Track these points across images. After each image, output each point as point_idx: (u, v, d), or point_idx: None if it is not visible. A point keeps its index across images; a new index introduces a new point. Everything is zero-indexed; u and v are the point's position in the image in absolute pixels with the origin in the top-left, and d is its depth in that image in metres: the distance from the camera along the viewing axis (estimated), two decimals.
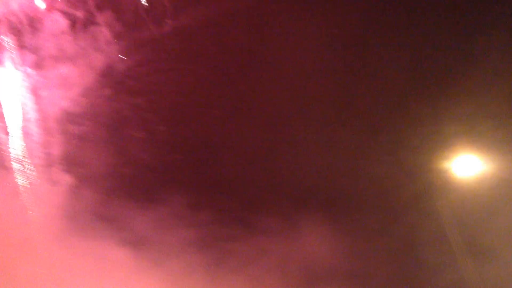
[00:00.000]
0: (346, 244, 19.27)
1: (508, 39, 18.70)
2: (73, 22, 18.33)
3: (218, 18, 18.59)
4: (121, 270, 18.40)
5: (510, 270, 18.75)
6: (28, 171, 18.33)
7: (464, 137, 19.13)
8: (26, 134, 18.52)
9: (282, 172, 19.98)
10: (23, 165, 18.34)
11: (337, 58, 19.48)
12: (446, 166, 19.48)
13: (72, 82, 18.76)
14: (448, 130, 19.23)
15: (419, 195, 19.63)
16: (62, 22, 18.25)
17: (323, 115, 20.26)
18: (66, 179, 18.77)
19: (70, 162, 19.02)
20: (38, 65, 18.44)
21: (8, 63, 18.17)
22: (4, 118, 18.24)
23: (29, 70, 18.32)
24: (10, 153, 18.21)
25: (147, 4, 18.50)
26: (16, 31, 18.03)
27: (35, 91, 18.55)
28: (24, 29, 18.18)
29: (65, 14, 18.18)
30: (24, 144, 18.38)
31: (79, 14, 18.32)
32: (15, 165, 18.19)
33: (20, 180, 18.16)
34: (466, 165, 19.29)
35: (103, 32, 18.65)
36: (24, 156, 18.32)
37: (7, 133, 18.27)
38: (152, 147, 19.79)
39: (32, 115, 18.57)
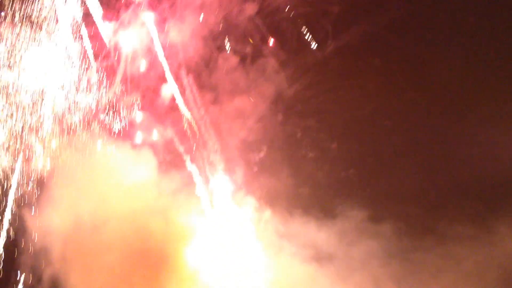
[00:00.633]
0: None
1: None
2: (243, 58, 19.75)
3: (378, 31, 18.68)
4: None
5: None
6: (216, 197, 20.08)
7: None
8: (211, 164, 20.27)
9: (466, 173, 19.11)
10: (212, 192, 20.14)
11: None
12: None
13: (247, 112, 20.12)
14: None
15: None
16: (233, 59, 19.78)
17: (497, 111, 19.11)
18: (250, 202, 20.08)
19: (252, 186, 20.32)
20: (216, 101, 20.13)
21: (191, 102, 20.15)
22: (192, 151, 20.18)
23: (210, 106, 20.11)
24: (200, 182, 20.08)
25: (307, 29, 19.27)
26: (195, 73, 19.96)
27: (216, 125, 20.26)
28: (202, 70, 20.08)
29: (235, 51, 19.65)
30: (211, 174, 20.13)
31: (248, 49, 19.72)
32: (205, 193, 20.02)
33: (209, 206, 19.94)
34: None
35: (270, 62, 19.81)
36: (212, 184, 20.10)
37: (196, 165, 20.18)
38: (327, 165, 20.30)
39: (216, 146, 20.27)
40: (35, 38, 18.16)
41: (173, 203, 19.28)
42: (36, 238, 18.55)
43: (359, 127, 19.87)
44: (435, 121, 19.75)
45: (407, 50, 19.17)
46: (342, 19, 18.94)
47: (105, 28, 19.00)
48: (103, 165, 19.32)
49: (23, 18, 17.78)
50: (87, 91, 19.24)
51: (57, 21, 18.15)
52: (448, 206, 19.07)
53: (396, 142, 20.00)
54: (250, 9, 19.19)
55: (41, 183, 19.16)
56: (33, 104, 18.42)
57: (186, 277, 18.87)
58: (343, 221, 19.43)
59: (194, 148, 20.11)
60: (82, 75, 19.08)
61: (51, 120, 19.07)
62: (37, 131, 18.82)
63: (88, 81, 19.19)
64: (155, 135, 20.03)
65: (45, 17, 18.02)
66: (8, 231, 18.58)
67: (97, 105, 19.36)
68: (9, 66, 18.06)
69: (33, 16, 17.86)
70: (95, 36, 19.03)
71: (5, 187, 18.46)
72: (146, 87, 19.84)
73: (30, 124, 18.49)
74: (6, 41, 17.85)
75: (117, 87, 19.54)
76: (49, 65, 18.72)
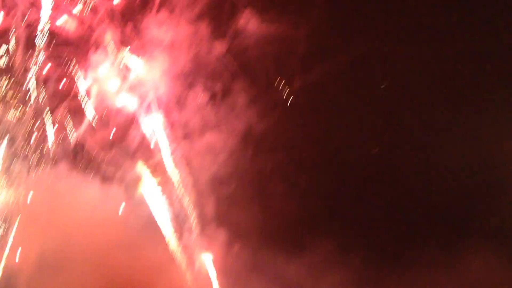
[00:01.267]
0: None
1: None
2: (213, 95, 20.19)
3: (343, 68, 19.54)
4: None
5: None
6: (186, 231, 20.16)
7: None
8: (182, 197, 20.41)
9: (434, 200, 19.80)
10: (181, 226, 20.22)
11: None
12: None
13: (218, 148, 20.47)
14: None
15: None
16: (203, 96, 20.19)
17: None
18: (220, 236, 20.24)
19: (222, 220, 20.51)
20: (187, 137, 20.41)
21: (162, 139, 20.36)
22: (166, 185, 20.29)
23: (181, 142, 20.35)
24: (169, 215, 20.15)
25: (275, 67, 19.95)
26: (166, 110, 20.22)
27: (187, 160, 20.48)
28: (173, 107, 20.37)
29: (205, 88, 20.08)
30: (182, 207, 20.26)
31: (217, 86, 20.20)
32: (174, 226, 20.08)
33: (177, 241, 20.00)
34: None
35: (240, 99, 20.32)
36: (182, 218, 20.18)
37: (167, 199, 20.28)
38: (295, 198, 20.75)
39: (187, 181, 20.44)
40: None
41: (141, 239, 19.12)
42: None
43: (327, 160, 20.44)
44: (401, 150, 20.41)
45: (372, 85, 20.03)
46: (308, 57, 19.62)
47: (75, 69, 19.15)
48: (69, 202, 19.12)
49: None
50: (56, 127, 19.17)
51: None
52: (417, 233, 19.68)
53: (363, 173, 20.64)
54: (220, 48, 19.67)
55: (5, 221, 18.82)
56: None
57: None
58: (311, 253, 19.73)
59: (163, 182, 20.14)
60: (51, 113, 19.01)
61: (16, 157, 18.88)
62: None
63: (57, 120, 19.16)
64: (125, 171, 20.01)
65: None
66: None
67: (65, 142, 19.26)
68: None
69: None
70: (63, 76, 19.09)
71: None
72: (116, 124, 19.91)
73: None
74: None
75: (86, 125, 19.57)
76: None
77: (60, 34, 19.22)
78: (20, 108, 19.31)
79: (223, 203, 20.35)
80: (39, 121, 19.63)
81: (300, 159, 20.38)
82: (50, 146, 19.61)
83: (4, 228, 18.98)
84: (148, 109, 19.85)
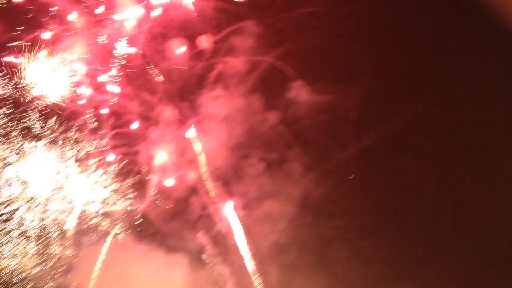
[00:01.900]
0: None
1: None
2: (269, 164, 20.56)
3: (396, 132, 19.49)
4: None
5: None
6: None
7: None
8: (243, 266, 20.54)
9: None
10: None
11: None
12: None
13: (277, 215, 20.65)
14: None
15: None
16: (260, 166, 20.60)
17: None
18: None
19: (285, 287, 20.40)
20: (246, 206, 20.75)
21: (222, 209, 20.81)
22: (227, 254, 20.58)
23: (239, 213, 20.71)
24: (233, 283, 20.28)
25: (328, 134, 20.17)
26: (224, 181, 20.77)
27: (247, 229, 20.74)
28: (230, 178, 20.89)
29: (261, 158, 20.51)
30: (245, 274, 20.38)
31: (273, 155, 20.60)
32: None
33: None
34: None
35: (296, 167, 20.57)
36: (246, 285, 20.27)
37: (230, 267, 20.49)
38: (359, 263, 20.40)
39: (248, 249, 20.63)
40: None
41: None
42: None
43: (389, 224, 20.10)
44: (464, 208, 19.78)
45: (426, 148, 19.78)
46: (361, 123, 19.76)
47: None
48: (136, 271, 19.73)
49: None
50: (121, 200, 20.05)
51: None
52: None
53: (426, 236, 20.12)
54: (273, 118, 20.19)
55: None
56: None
57: None
58: None
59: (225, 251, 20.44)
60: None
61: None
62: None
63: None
64: (187, 241, 20.50)
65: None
66: None
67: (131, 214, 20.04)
68: None
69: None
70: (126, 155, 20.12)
71: None
72: (176, 198, 20.60)
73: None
74: None
75: (149, 198, 20.36)
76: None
77: (123, 114, 20.33)
78: None
79: (286, 269, 20.30)
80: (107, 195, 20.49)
81: (361, 224, 20.13)
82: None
83: None
84: (207, 180, 20.37)
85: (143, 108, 20.07)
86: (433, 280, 19.70)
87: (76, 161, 18.87)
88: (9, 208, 18.09)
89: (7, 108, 17.81)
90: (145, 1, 19.00)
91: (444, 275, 19.60)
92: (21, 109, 17.84)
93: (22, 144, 18.13)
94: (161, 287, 19.57)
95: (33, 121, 18.22)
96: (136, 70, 19.62)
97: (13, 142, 18.00)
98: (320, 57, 19.57)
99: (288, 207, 20.59)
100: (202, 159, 20.38)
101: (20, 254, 18.48)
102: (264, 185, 20.64)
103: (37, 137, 18.34)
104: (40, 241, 18.64)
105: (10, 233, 18.21)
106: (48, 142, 18.52)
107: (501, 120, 19.07)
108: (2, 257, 18.24)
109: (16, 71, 17.63)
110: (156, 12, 19.16)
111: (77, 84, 18.96)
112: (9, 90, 17.60)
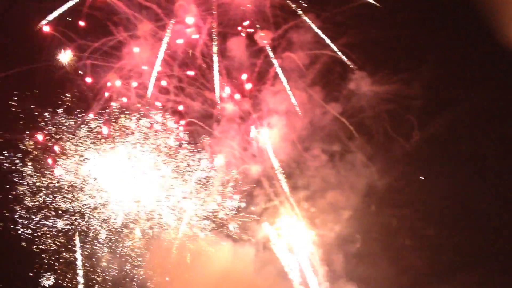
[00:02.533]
0: None
1: None
2: (332, 155, 20.70)
3: (463, 119, 19.17)
4: None
5: None
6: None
7: None
8: (308, 255, 20.89)
9: None
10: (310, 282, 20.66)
11: None
12: None
13: (341, 206, 20.84)
14: None
15: None
16: (322, 158, 20.77)
17: None
18: None
19: (351, 276, 20.66)
20: (309, 198, 21.02)
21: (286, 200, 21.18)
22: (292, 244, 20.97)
23: (303, 204, 21.02)
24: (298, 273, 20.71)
25: (392, 123, 20.07)
26: (287, 174, 21.08)
27: (311, 220, 21.05)
28: (293, 170, 21.18)
29: (323, 150, 20.67)
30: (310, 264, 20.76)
31: (335, 147, 20.72)
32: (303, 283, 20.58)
33: None
34: None
35: (359, 157, 20.63)
36: (311, 274, 20.65)
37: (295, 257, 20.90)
38: (425, 252, 20.38)
39: (313, 239, 20.95)
40: None
41: None
42: None
43: (456, 212, 19.94)
44: None
45: (493, 133, 19.39)
46: (425, 111, 19.53)
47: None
48: (204, 261, 20.51)
49: None
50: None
51: None
52: None
53: (492, 224, 19.86)
54: (334, 110, 20.27)
55: None
56: None
57: None
58: None
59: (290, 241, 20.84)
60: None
61: None
62: None
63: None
64: (253, 232, 21.04)
65: None
66: None
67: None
68: None
69: None
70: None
71: None
72: (241, 191, 21.12)
73: None
74: None
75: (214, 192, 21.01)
76: None
77: (187, 113, 20.94)
78: None
79: (351, 259, 20.52)
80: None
81: (427, 213, 20.06)
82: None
83: None
84: (272, 174, 20.77)
85: (205, 106, 20.53)
86: (502, 268, 19.40)
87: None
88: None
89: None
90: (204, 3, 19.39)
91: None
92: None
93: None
94: (229, 276, 20.20)
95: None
96: (196, 71, 20.12)
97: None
98: (381, 47, 19.42)
99: (352, 198, 20.71)
100: (265, 153, 20.69)
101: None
102: (327, 176, 20.81)
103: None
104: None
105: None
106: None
107: None
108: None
109: None
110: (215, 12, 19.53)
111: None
112: None
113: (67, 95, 19.58)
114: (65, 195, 19.75)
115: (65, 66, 19.15)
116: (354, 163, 20.56)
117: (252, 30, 19.83)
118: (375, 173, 20.32)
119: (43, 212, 19.56)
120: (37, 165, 19.51)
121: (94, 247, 19.98)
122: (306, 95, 20.24)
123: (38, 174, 19.53)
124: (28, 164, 19.39)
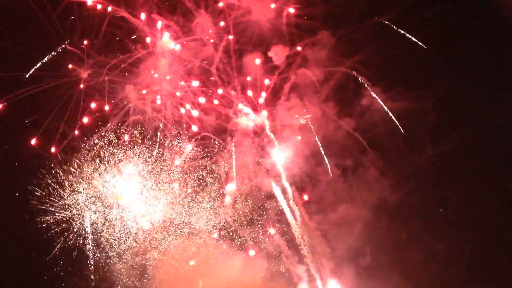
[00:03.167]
0: None
1: None
2: (344, 169, 20.93)
3: (475, 135, 19.42)
4: None
5: None
6: None
7: None
8: (319, 268, 21.09)
9: None
10: None
11: None
12: None
13: (352, 219, 21.06)
14: None
15: None
16: (335, 172, 21.00)
17: None
18: None
19: None
20: (321, 211, 21.24)
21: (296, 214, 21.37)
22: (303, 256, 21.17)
23: (315, 217, 21.23)
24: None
25: (404, 139, 20.32)
26: (299, 187, 21.29)
27: (323, 233, 21.27)
28: (306, 185, 21.40)
29: (336, 165, 20.90)
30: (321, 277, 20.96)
31: (348, 162, 20.95)
32: None
33: None
34: None
35: (371, 172, 20.86)
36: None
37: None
38: (435, 265, 20.59)
39: (324, 252, 21.16)
40: None
41: None
42: None
43: (466, 227, 20.17)
44: None
45: (507, 150, 19.64)
46: (439, 127, 19.78)
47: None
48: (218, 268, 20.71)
49: None
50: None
51: None
52: None
53: (505, 238, 20.08)
54: (348, 126, 20.50)
55: None
56: None
57: None
58: None
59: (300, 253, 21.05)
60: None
61: None
62: None
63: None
64: (264, 244, 21.22)
65: None
66: None
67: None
68: None
69: None
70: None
71: None
72: (254, 204, 21.30)
73: None
74: None
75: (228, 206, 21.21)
76: None
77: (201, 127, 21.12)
78: None
79: (362, 272, 20.72)
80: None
81: (437, 228, 20.29)
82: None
83: None
84: (283, 187, 20.98)
85: (220, 121, 20.73)
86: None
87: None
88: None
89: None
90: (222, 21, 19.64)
91: None
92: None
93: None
94: (241, 286, 20.40)
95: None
96: (212, 87, 20.35)
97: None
98: (395, 64, 19.66)
99: (363, 212, 20.93)
100: (279, 167, 20.89)
101: None
102: (340, 190, 21.01)
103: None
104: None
105: None
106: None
107: None
108: None
109: None
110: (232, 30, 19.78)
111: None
112: None
113: (85, 110, 19.72)
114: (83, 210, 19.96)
115: (83, 82, 19.33)
116: (366, 178, 20.74)
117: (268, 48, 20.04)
118: (387, 187, 20.48)
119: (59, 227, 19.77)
120: (53, 178, 19.68)
121: (107, 260, 20.15)
122: (320, 111, 20.44)
123: (53, 187, 19.68)
124: (47, 177, 19.59)
